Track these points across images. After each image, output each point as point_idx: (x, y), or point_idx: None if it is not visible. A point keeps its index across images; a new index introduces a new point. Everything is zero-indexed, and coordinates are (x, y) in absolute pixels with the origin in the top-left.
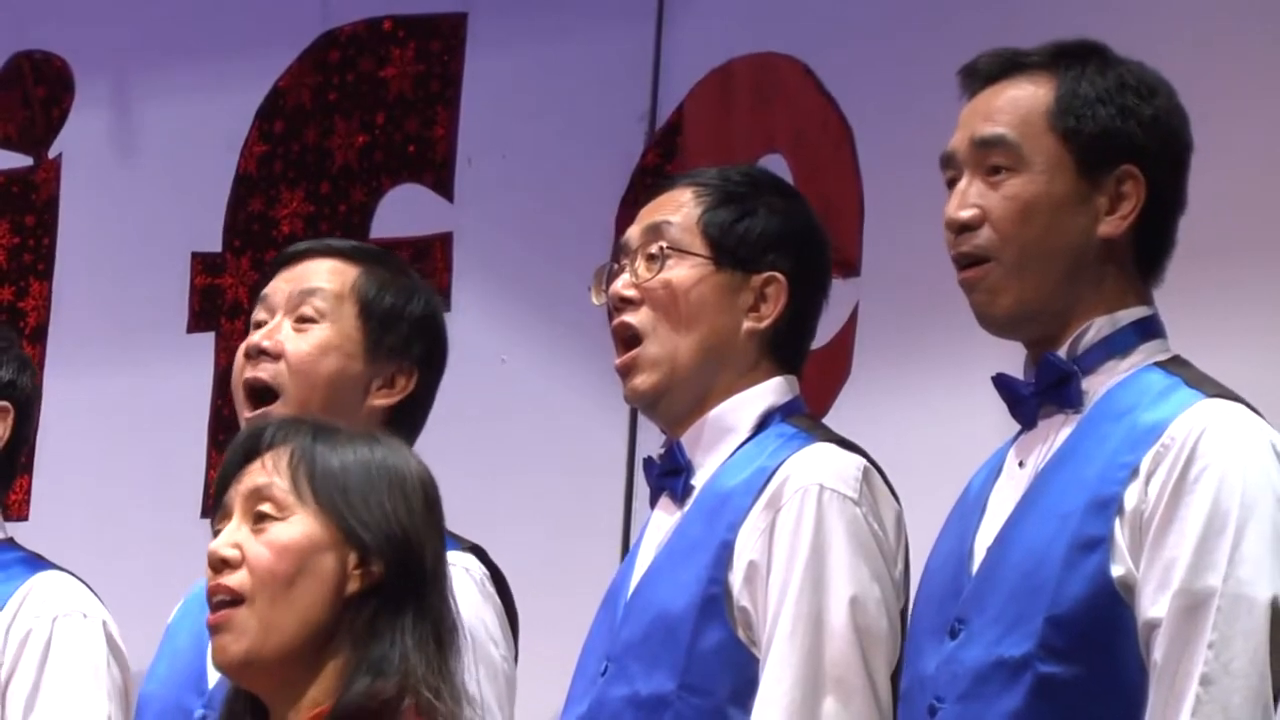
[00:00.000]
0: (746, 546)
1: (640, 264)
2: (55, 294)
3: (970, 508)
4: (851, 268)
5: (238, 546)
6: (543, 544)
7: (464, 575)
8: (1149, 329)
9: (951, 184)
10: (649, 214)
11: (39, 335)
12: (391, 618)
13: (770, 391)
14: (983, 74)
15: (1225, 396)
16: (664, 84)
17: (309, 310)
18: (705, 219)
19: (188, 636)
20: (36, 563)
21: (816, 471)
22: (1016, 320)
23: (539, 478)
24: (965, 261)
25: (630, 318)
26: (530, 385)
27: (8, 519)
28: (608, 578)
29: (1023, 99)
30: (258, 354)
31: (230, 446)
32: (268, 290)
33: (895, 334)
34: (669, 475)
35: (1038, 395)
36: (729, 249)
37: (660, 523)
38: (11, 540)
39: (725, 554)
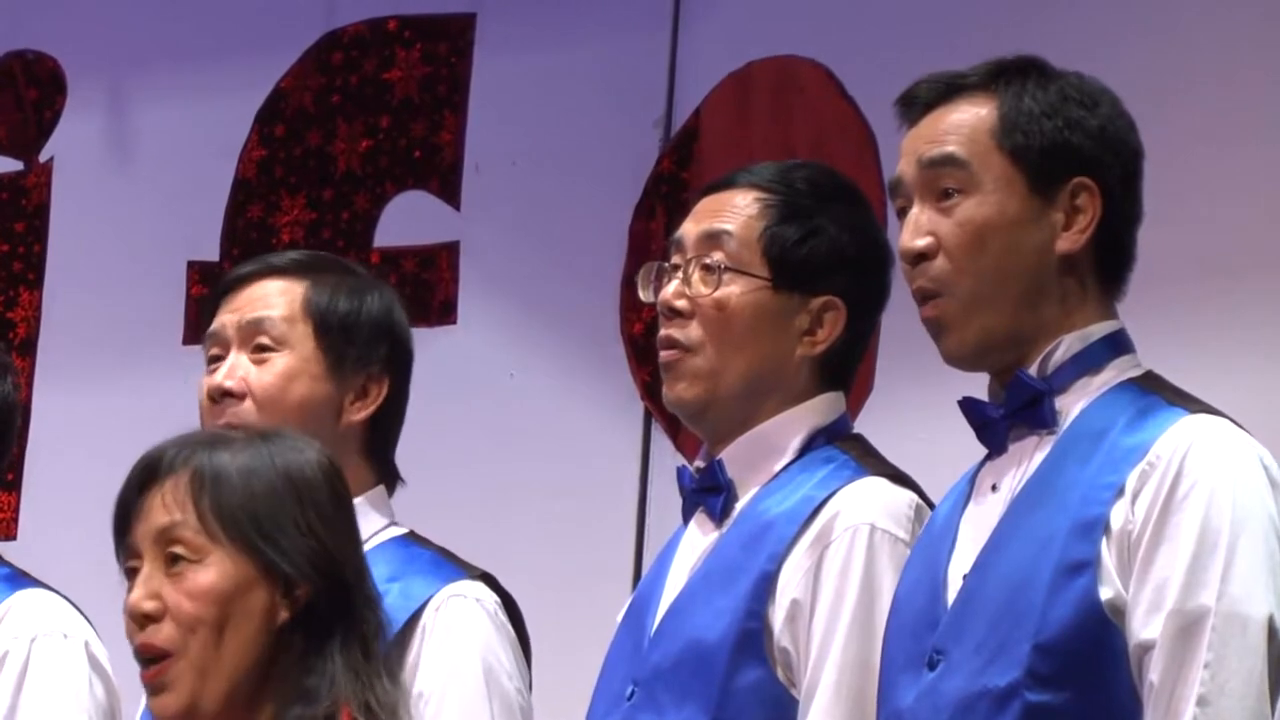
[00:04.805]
0: (790, 583)
1: (695, 273)
2: (46, 304)
3: (939, 536)
4: (889, 284)
5: (157, 597)
6: (554, 564)
7: (475, 607)
8: (1119, 344)
9: (901, 213)
10: (707, 215)
11: (28, 347)
12: (321, 642)
13: (817, 411)
14: (922, 101)
15: (1208, 412)
16: (680, 88)
17: (264, 339)
18: (767, 236)
19: None
20: (19, 580)
21: (868, 510)
22: (983, 352)
23: (549, 496)
24: (923, 296)
25: (678, 333)
26: (540, 401)
27: None
28: (620, 595)
29: (967, 120)
30: (222, 396)
31: (125, 480)
32: (215, 326)
33: (917, 348)
34: (706, 492)
35: (1008, 417)
36: (789, 271)
37: (695, 542)
38: None
39: (766, 586)
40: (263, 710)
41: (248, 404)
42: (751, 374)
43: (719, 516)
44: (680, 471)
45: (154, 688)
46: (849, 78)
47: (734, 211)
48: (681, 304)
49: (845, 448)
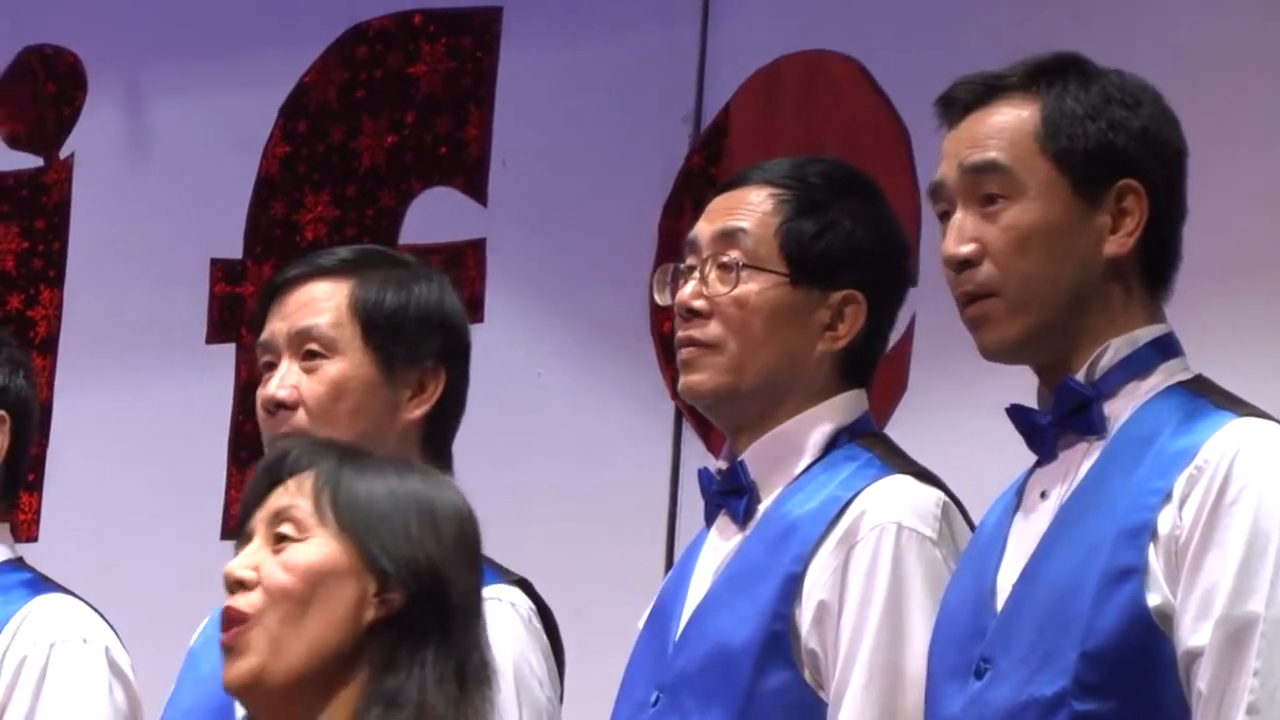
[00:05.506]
0: (817, 585)
1: (712, 273)
2: (66, 302)
3: (988, 543)
4: (909, 277)
5: (254, 567)
6: (581, 566)
7: (510, 610)
8: (1167, 348)
9: (943, 216)
10: (721, 214)
11: (49, 346)
12: (411, 650)
13: (839, 409)
14: (962, 102)
15: (1257, 415)
16: (709, 83)
17: (314, 346)
18: (784, 231)
19: (211, 664)
20: (40, 585)
21: (895, 508)
22: (1021, 347)
23: (577, 497)
24: (968, 300)
25: (698, 333)
26: (568, 400)
27: (16, 540)
28: (650, 599)
29: (1009, 123)
30: (276, 407)
31: (256, 471)
32: (266, 335)
33: (953, 345)
34: (729, 494)
35: (1056, 424)
36: (807, 266)
37: (718, 545)
38: (20, 560)
39: (792, 588)
40: (335, 703)
41: (300, 414)
42: (773, 370)
43: (742, 518)
44: (701, 474)
45: (228, 650)
46: (881, 72)
47: (749, 208)
48: (700, 304)
49: (868, 445)
